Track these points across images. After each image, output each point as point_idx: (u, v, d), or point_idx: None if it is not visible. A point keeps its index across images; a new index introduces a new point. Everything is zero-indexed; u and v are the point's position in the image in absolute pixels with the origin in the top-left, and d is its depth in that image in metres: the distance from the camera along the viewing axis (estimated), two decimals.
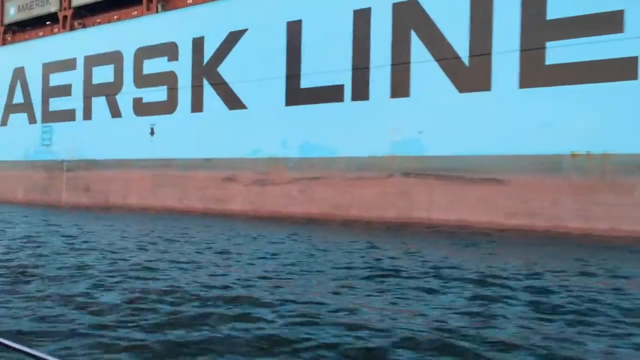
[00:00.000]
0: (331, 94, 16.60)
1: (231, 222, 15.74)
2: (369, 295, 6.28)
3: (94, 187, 22.74)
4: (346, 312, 5.41)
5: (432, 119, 14.80)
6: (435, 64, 14.71)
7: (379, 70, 15.70)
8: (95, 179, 22.66)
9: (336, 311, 5.42)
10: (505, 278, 7.36)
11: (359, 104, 16.15)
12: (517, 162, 13.62)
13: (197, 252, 9.76)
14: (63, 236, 11.94)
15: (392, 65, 15.50)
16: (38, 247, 10.08)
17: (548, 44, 13.19)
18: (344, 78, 16.38)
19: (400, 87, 15.33)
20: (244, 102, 18.61)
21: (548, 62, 13.15)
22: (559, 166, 13.19)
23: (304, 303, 5.70)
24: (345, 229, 14.28)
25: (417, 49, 15.02)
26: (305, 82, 17.18)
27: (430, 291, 6.50)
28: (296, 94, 17.41)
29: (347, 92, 16.34)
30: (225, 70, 19.04)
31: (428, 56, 14.84)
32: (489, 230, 13.40)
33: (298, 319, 5.08)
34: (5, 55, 26.64)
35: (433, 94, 14.75)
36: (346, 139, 16.26)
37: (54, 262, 8.31)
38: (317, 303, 5.72)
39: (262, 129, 18.13)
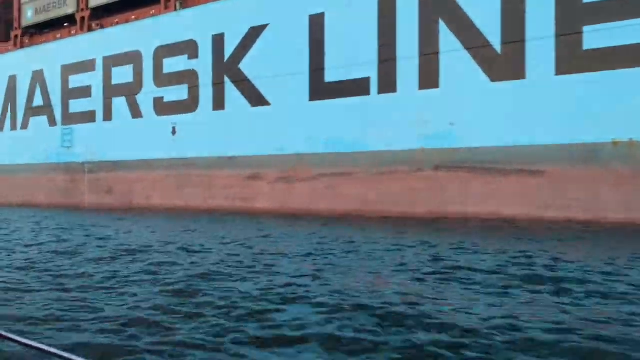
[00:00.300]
0: (357, 87, 16.24)
1: (270, 221, 15.40)
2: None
3: (117, 189, 22.62)
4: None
5: (464, 110, 14.38)
6: (466, 53, 14.28)
7: (406, 61, 15.30)
8: (118, 180, 22.53)
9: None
10: None
11: (386, 96, 15.77)
12: (554, 151, 13.15)
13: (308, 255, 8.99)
14: (168, 243, 11.06)
15: (420, 55, 15.09)
16: (159, 252, 9.42)
17: (585, 28, 12.69)
18: (370, 70, 16.01)
19: (429, 78, 14.92)
20: (267, 98, 18.31)
21: (586, 46, 12.66)
22: (599, 155, 12.70)
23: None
24: (384, 225, 13.88)
25: (446, 38, 14.60)
26: (330, 76, 16.83)
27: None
28: (320, 89, 17.06)
29: (374, 85, 15.96)
30: (246, 66, 18.76)
31: (458, 45, 14.41)
32: (527, 222, 12.97)
33: None
34: (24, 58, 26.62)
35: (464, 84, 14.33)
36: (373, 133, 15.89)
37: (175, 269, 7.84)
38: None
39: (286, 125, 17.82)
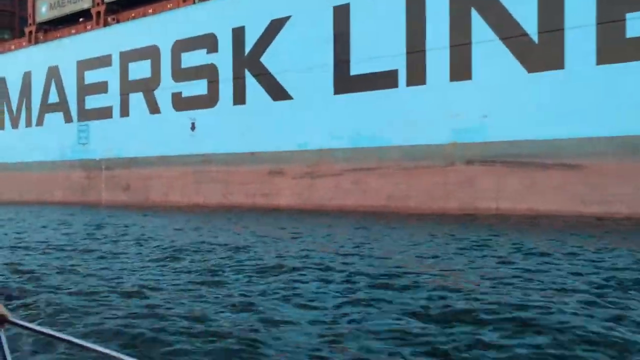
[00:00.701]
0: (384, 80, 15.77)
1: (300, 217, 14.96)
2: None
3: (134, 186, 22.27)
4: None
5: (498, 102, 13.88)
6: (500, 43, 13.77)
7: (437, 52, 14.81)
8: (135, 177, 22.18)
9: None
10: None
11: (415, 89, 15.29)
12: (594, 145, 12.63)
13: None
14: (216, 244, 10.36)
15: (451, 46, 14.59)
16: (209, 251, 9.02)
17: (628, 15, 12.16)
18: (398, 63, 15.53)
19: (460, 69, 14.43)
20: (290, 92, 17.87)
21: (629, 34, 12.13)
22: None
23: None
24: (421, 222, 13.37)
25: (479, 28, 14.10)
26: (355, 69, 16.37)
27: None
28: (345, 82, 16.61)
29: (402, 78, 15.49)
30: (268, 60, 18.32)
31: (491, 35, 13.91)
32: (567, 218, 12.46)
33: None
34: (39, 54, 26.34)
35: (498, 75, 13.83)
36: (401, 127, 15.42)
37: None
38: None
39: (309, 120, 17.38)
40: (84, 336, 4.32)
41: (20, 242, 10.68)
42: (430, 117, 14.97)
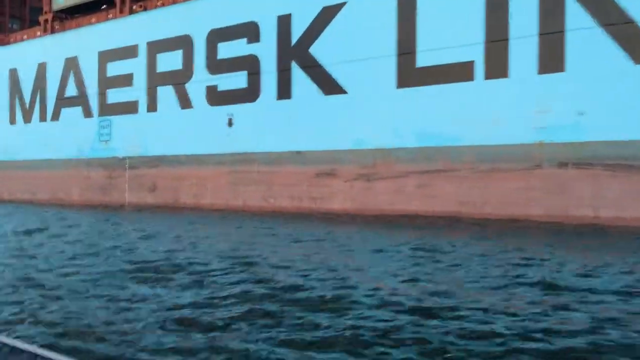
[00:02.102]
0: (457, 72, 14.23)
1: (368, 225, 13.40)
2: None
3: (162, 186, 20.61)
4: None
5: (597, 98, 12.37)
6: (601, 31, 12.27)
7: (522, 41, 13.29)
8: (163, 177, 20.52)
9: None
10: None
11: (494, 82, 13.77)
12: None
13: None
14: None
15: (540, 35, 13.07)
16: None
17: None
18: (474, 53, 14.00)
19: (551, 60, 12.91)
20: (343, 86, 16.30)
21: None
22: None
23: None
24: (513, 231, 11.85)
25: (574, 13, 12.59)
26: (423, 60, 14.83)
27: None
28: (410, 74, 15.06)
29: (479, 70, 13.95)
30: (319, 50, 16.75)
31: (590, 22, 12.40)
32: None
33: None
34: (55, 44, 24.64)
35: (598, 67, 12.33)
36: (477, 125, 13.89)
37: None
38: None
39: (366, 116, 15.81)
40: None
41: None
42: (511, 113, 13.45)
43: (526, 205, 13.11)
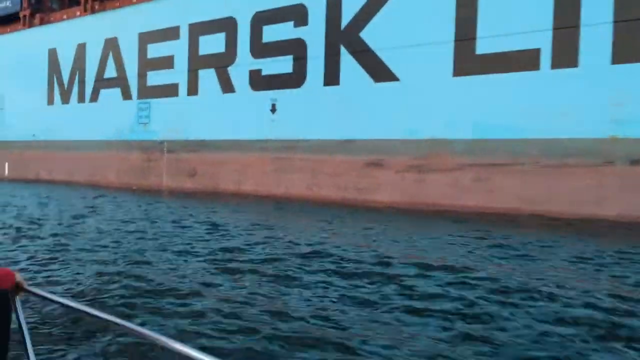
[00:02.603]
0: (521, 60, 13.42)
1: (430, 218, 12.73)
2: None
3: (202, 171, 20.23)
4: None
5: None
6: None
7: (595, 28, 12.42)
8: (203, 162, 20.13)
9: None
10: None
11: (562, 72, 12.93)
12: None
13: None
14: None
15: (615, 22, 12.19)
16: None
17: None
18: (540, 40, 13.17)
19: (629, 49, 12.03)
20: (395, 72, 15.61)
21: None
22: None
23: None
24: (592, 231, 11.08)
25: None
26: (483, 47, 14.04)
27: None
28: (469, 62, 14.29)
29: (545, 58, 13.13)
30: (370, 35, 16.06)
31: None
32: None
33: None
34: (95, 24, 24.33)
35: None
36: (541, 116, 13.09)
37: None
38: None
39: (420, 105, 15.12)
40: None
41: None
42: (582, 105, 12.62)
43: (598, 203, 12.29)
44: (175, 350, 1.80)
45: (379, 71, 15.88)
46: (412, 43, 15.20)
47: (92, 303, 5.03)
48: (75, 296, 5.43)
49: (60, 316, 4.41)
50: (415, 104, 15.18)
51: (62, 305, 2.47)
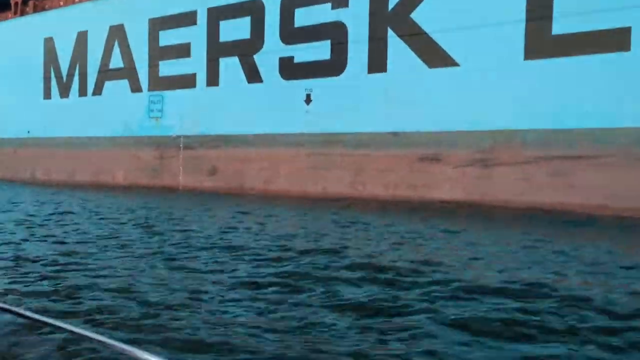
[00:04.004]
0: (607, 41, 12.03)
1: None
2: None
3: (224, 169, 18.50)
4: None
5: None
6: None
7: None
8: (225, 158, 18.40)
9: None
10: None
11: None
12: None
13: None
14: None
15: None
16: None
17: None
18: (630, 18, 11.81)
19: None
20: (454, 57, 14.12)
21: None
22: None
23: None
24: None
25: None
26: (560, 27, 12.63)
27: None
28: (544, 43, 12.87)
29: (637, 38, 11.76)
30: (422, 16, 14.55)
31: None
32: None
33: None
34: (97, 11, 22.36)
35: None
36: (634, 103, 11.74)
37: None
38: None
39: (483, 92, 13.66)
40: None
41: None
42: None
43: None
44: None
45: (434, 56, 14.38)
46: (475, 24, 13.73)
47: None
48: None
49: (28, 331, 3.80)
50: (478, 91, 13.71)
51: (29, 319, 2.54)
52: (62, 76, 23.57)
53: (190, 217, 11.26)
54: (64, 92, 23.53)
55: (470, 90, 13.81)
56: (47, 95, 24.17)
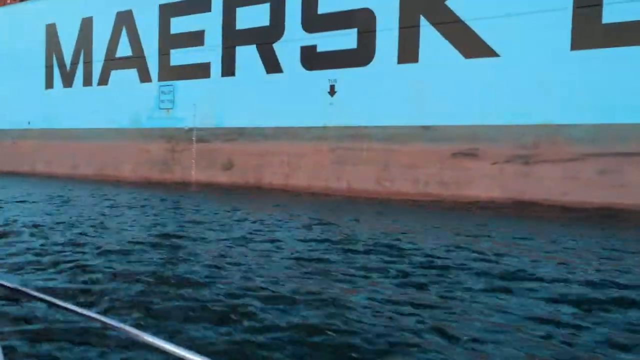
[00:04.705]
0: None
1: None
2: None
3: (240, 163, 17.63)
4: None
5: None
6: None
7: None
8: (242, 152, 17.54)
9: None
10: None
11: None
12: None
13: None
14: None
15: None
16: None
17: None
18: None
19: None
20: (493, 47, 13.33)
21: None
22: None
23: None
24: None
25: None
26: (612, 14, 11.87)
27: None
28: (593, 32, 12.11)
29: None
30: (460, 3, 13.75)
31: None
32: None
33: None
34: None
35: None
36: None
37: None
38: None
39: (526, 84, 12.89)
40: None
41: None
42: None
43: None
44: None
45: (471, 45, 13.58)
46: (517, 11, 12.95)
47: None
48: None
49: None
50: (520, 83, 12.94)
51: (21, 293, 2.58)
52: (65, 65, 22.55)
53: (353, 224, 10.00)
54: (67, 81, 22.52)
55: (511, 82, 13.05)
56: (49, 84, 23.14)
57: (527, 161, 12.88)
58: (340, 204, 13.57)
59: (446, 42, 13.93)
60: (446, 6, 13.90)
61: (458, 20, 13.74)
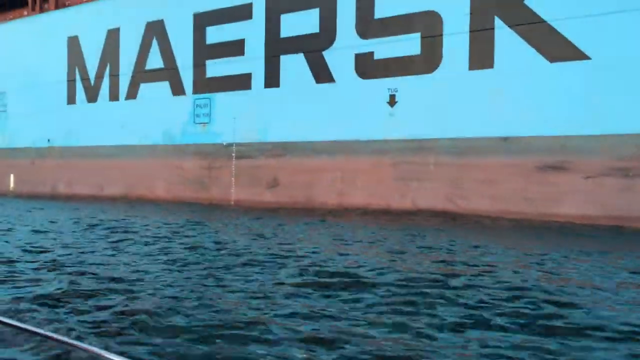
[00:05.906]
0: None
1: None
2: None
3: (286, 181, 16.28)
4: None
5: None
6: None
7: None
8: (289, 169, 16.19)
9: None
10: None
11: None
12: None
13: None
14: None
15: None
16: None
17: None
18: None
19: None
20: (583, 49, 12.07)
21: None
22: None
23: None
24: None
25: None
26: None
27: None
28: None
29: None
30: (542, 2, 12.53)
31: None
32: None
33: None
34: (131, 6, 20.17)
35: None
36: None
37: None
38: None
39: (623, 90, 11.61)
40: None
41: None
42: None
43: None
44: None
45: (557, 48, 12.33)
46: (610, 10, 11.72)
47: None
48: None
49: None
50: (616, 88, 11.67)
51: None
52: (89, 79, 21.29)
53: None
54: (92, 96, 21.24)
55: (606, 87, 11.77)
56: (72, 100, 21.86)
57: (628, 174, 11.54)
58: (426, 225, 12.18)
59: (526, 45, 12.67)
60: (525, 6, 12.67)
61: (541, 21, 12.50)
